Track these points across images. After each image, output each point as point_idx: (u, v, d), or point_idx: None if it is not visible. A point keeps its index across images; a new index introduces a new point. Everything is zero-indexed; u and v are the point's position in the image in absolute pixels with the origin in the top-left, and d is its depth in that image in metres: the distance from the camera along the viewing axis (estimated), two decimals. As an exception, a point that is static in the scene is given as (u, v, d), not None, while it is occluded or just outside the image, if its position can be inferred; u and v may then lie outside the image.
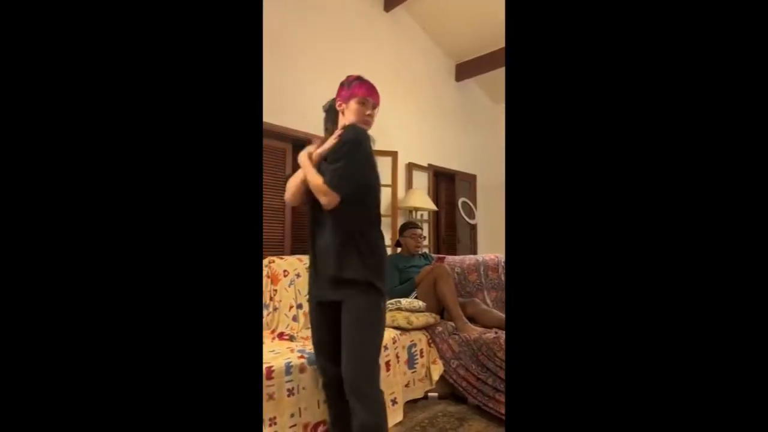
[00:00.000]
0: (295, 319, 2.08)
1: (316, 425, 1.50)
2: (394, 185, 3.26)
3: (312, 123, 2.66)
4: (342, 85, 1.32)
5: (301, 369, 1.50)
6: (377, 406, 1.19)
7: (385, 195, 3.37)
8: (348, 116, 1.28)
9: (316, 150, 1.25)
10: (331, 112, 1.36)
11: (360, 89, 1.28)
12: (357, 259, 1.20)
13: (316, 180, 1.18)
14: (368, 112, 1.28)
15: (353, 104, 1.27)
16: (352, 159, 1.17)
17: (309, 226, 1.31)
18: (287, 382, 1.45)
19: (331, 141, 1.24)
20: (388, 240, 3.26)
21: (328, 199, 1.16)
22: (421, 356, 2.11)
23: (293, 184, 1.28)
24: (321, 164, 1.24)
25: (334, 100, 1.35)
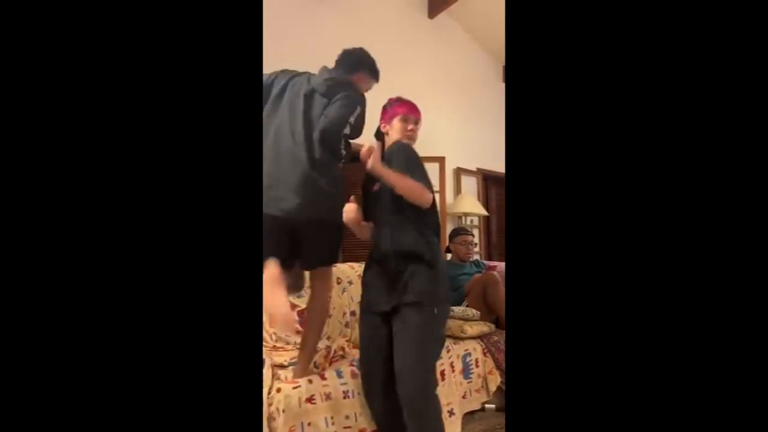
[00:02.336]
0: (347, 325, 2.10)
1: (372, 434, 1.50)
2: (441, 191, 3.22)
3: (363, 133, 2.70)
4: (384, 108, 1.45)
5: (353, 375, 1.51)
6: (434, 421, 1.18)
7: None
8: (393, 135, 1.40)
9: (370, 161, 1.24)
10: (380, 136, 1.48)
11: (400, 108, 1.40)
12: (423, 267, 1.24)
13: (409, 183, 1.23)
14: (410, 127, 1.39)
15: (396, 122, 1.39)
16: (417, 165, 1.27)
17: (373, 236, 1.37)
18: (341, 384, 1.47)
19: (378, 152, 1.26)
20: (437, 247, 3.22)
21: (425, 197, 1.24)
22: (477, 366, 2.05)
23: (356, 223, 1.35)
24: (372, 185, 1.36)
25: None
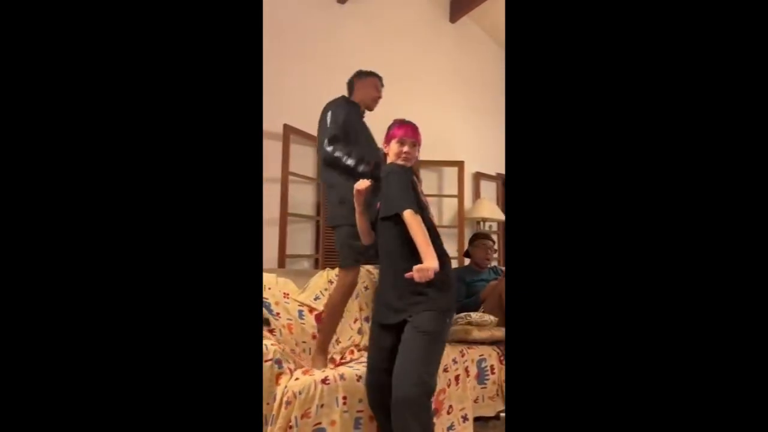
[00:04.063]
0: (360, 332, 2.10)
1: None
2: (460, 196, 3.21)
3: (381, 139, 2.73)
4: (387, 129, 1.53)
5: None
6: (428, 421, 1.22)
7: (451, 206, 3.33)
8: (390, 156, 1.48)
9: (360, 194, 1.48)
10: (383, 156, 1.59)
11: (398, 130, 1.48)
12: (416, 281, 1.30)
13: (424, 246, 1.30)
14: (405, 149, 1.46)
15: (392, 144, 1.47)
16: (387, 189, 1.38)
17: (380, 251, 1.49)
18: (355, 371, 1.55)
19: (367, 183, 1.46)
20: (453, 252, 3.20)
21: (431, 262, 1.26)
22: (492, 372, 2.03)
23: (362, 226, 1.51)
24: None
25: None
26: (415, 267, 1.22)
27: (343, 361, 1.88)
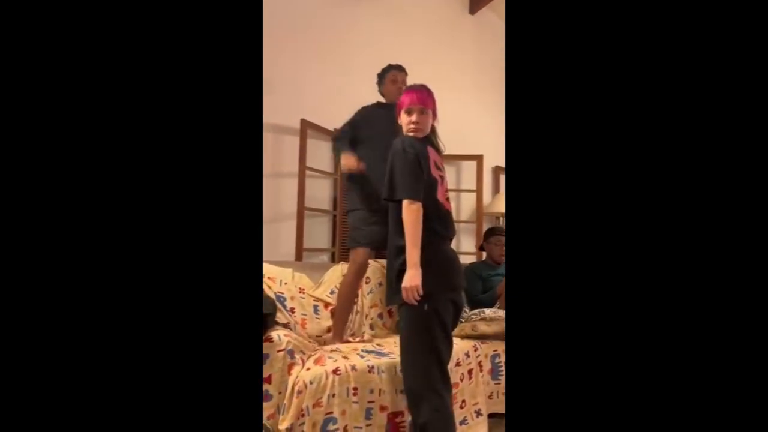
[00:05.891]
0: (372, 327, 2.11)
1: (394, 414, 1.53)
2: (479, 190, 3.17)
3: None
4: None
5: (375, 357, 1.59)
6: (435, 411, 1.21)
7: (470, 200, 3.30)
8: (403, 129, 1.37)
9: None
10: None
11: (405, 98, 1.36)
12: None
13: (410, 246, 1.28)
14: (414, 119, 1.33)
15: (402, 115, 1.36)
16: (392, 167, 1.29)
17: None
18: (366, 361, 1.56)
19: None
20: (471, 246, 3.18)
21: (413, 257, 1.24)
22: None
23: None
24: None
25: None
26: (402, 286, 1.18)
27: (354, 339, 1.93)
